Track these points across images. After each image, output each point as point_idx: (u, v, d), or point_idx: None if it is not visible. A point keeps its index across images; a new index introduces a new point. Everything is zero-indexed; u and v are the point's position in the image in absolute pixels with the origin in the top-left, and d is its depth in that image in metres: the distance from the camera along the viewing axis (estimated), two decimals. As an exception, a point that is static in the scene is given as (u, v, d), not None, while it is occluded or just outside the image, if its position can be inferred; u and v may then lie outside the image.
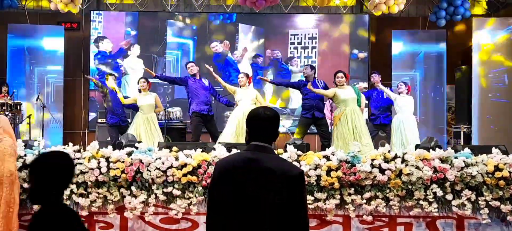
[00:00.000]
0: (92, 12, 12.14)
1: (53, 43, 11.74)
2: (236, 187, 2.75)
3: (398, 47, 11.89)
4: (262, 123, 2.86)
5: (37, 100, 10.07)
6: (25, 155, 6.13)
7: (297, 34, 12.29)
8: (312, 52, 12.24)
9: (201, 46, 12.22)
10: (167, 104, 10.64)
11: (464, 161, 6.01)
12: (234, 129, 8.34)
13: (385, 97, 9.21)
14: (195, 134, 8.90)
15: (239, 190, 2.74)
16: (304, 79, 8.96)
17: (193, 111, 8.83)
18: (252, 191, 2.72)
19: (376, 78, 9.21)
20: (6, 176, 5.47)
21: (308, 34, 12.27)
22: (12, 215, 5.52)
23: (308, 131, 9.03)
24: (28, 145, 6.44)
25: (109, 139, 9.05)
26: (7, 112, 9.63)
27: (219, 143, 6.72)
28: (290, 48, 12.28)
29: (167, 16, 12.22)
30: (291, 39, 12.29)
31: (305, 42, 12.26)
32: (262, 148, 2.82)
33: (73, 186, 6.05)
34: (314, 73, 8.88)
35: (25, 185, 6.01)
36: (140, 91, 9.01)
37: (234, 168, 2.79)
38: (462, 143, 10.78)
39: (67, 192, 6.03)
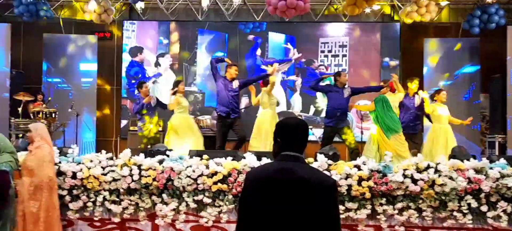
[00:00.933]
0: (125, 22, 12.34)
1: (87, 52, 11.99)
2: (269, 198, 2.73)
3: (430, 55, 11.71)
4: (293, 132, 2.85)
5: (71, 108, 10.27)
6: (59, 162, 6.25)
7: (328, 42, 12.25)
8: (342, 60, 12.18)
9: (232, 55, 12.26)
10: (198, 112, 10.71)
11: (499, 172, 5.87)
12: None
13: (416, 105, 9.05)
14: (218, 137, 8.63)
15: (273, 200, 2.73)
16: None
17: (216, 110, 8.79)
18: (285, 201, 2.70)
19: None
20: (45, 181, 5.60)
21: (339, 42, 12.22)
22: (52, 219, 5.64)
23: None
24: (62, 152, 6.57)
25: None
26: (42, 120, 9.83)
27: (249, 151, 6.72)
28: (321, 56, 12.25)
29: (198, 25, 12.33)
30: (321, 47, 12.26)
31: (335, 50, 12.21)
32: (294, 157, 2.81)
33: (106, 193, 6.15)
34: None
35: (60, 192, 6.13)
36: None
37: (267, 178, 2.77)
38: (497, 153, 10.53)
39: (99, 198, 6.13)
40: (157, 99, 9.28)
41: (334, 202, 2.75)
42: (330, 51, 12.25)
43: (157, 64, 12.34)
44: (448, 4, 10.29)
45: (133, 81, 12.02)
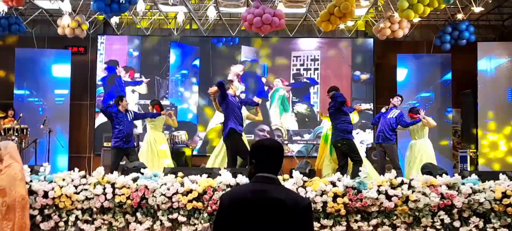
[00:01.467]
0: (99, 36, 12.23)
1: (60, 67, 11.81)
2: (244, 219, 2.72)
3: (403, 71, 11.88)
4: (268, 153, 2.85)
5: (43, 124, 10.09)
6: (31, 181, 6.11)
7: (300, 56, 12.36)
8: (314, 74, 12.29)
9: (204, 69, 12.28)
10: (173, 128, 10.63)
11: (471, 188, 5.96)
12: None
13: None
14: (232, 152, 7.97)
15: (248, 222, 2.72)
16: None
17: (231, 128, 7.95)
18: (261, 223, 2.70)
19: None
20: (18, 201, 5.48)
21: (311, 56, 12.34)
22: (25, 239, 5.51)
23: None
24: (34, 170, 6.43)
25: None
26: (13, 137, 9.64)
27: (224, 168, 6.69)
28: (293, 70, 12.33)
29: (171, 38, 12.31)
30: (293, 61, 12.35)
31: (307, 64, 12.32)
32: (269, 179, 2.80)
33: (78, 212, 6.03)
34: None
35: (31, 211, 5.99)
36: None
37: (243, 200, 2.76)
38: (468, 167, 10.70)
39: (72, 218, 6.01)
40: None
41: (309, 223, 2.77)
42: (302, 64, 12.35)
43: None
44: (420, 20, 10.45)
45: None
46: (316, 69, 12.31)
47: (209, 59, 12.31)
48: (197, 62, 12.34)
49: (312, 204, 5.87)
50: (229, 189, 6.03)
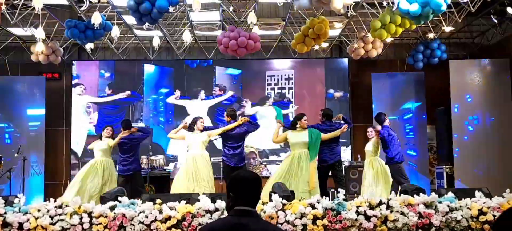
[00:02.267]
0: (74, 62, 12.12)
1: (35, 93, 11.64)
2: None
3: (378, 89, 12.01)
4: (247, 186, 2.82)
5: (17, 153, 9.89)
6: (5, 213, 5.96)
7: (274, 75, 12.44)
8: (289, 93, 12.37)
9: (179, 90, 12.26)
10: (150, 152, 10.53)
11: (448, 206, 6.01)
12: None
13: None
14: None
15: None
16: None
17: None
18: None
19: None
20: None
21: (285, 75, 12.43)
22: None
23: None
24: (8, 201, 6.27)
25: None
26: (-13, 166, 9.43)
27: (203, 193, 6.63)
28: (267, 89, 12.40)
29: (144, 61, 12.28)
30: (268, 80, 12.42)
31: (281, 83, 12.40)
32: (247, 212, 2.78)
33: (55, 243, 5.89)
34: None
35: (5, 244, 5.84)
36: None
37: None
38: (445, 183, 10.82)
39: (48, 249, 5.87)
40: None
41: None
42: (276, 84, 12.43)
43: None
44: (392, 40, 10.62)
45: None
46: (290, 88, 12.39)
47: (183, 81, 12.29)
48: (170, 83, 12.35)
49: (291, 226, 5.86)
50: (208, 214, 5.98)
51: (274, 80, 12.46)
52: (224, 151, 8.41)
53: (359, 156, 10.75)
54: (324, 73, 12.48)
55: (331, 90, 12.40)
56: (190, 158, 8.25)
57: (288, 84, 12.42)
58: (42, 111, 11.60)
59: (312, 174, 7.88)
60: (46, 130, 11.65)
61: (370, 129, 8.90)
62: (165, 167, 10.68)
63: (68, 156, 12.00)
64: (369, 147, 8.78)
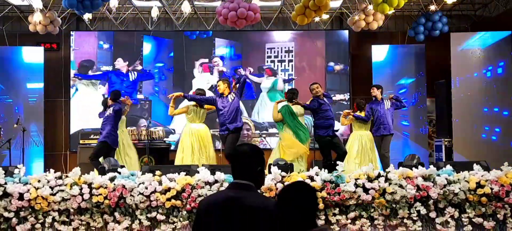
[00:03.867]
0: (72, 32, 12.05)
1: (33, 63, 11.58)
2: (218, 227, 2.74)
3: (378, 61, 11.98)
4: (243, 159, 2.86)
5: (17, 123, 9.90)
6: (5, 183, 6.01)
7: (274, 48, 12.38)
8: (288, 66, 12.33)
9: (179, 61, 12.21)
10: (150, 123, 10.55)
11: (446, 179, 6.06)
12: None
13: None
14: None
15: (222, 229, 2.73)
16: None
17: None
18: (235, 230, 2.72)
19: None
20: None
21: (285, 47, 12.37)
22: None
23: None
24: (8, 172, 6.32)
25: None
26: (-14, 137, 9.46)
27: (203, 165, 6.68)
28: (267, 62, 12.35)
29: (143, 32, 12.21)
30: (268, 53, 12.37)
31: (281, 56, 12.36)
32: (243, 185, 2.81)
33: (55, 214, 5.96)
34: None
35: (6, 214, 5.90)
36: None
37: (214, 208, 2.78)
38: (443, 156, 10.87)
39: (48, 219, 5.94)
40: None
41: (274, 226, 2.74)
42: (276, 56, 12.37)
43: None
44: (394, 12, 10.53)
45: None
46: (290, 61, 12.34)
47: (183, 53, 12.24)
48: (170, 55, 12.30)
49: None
50: (207, 186, 6.03)
51: (274, 52, 12.41)
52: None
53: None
54: (325, 46, 12.41)
55: (331, 63, 12.36)
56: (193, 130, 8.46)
57: (288, 56, 12.37)
58: (40, 82, 11.56)
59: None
60: (45, 101, 11.63)
61: None
62: (164, 139, 10.69)
63: (67, 127, 12.00)
64: None
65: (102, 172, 6.56)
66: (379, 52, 12.03)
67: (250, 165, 2.85)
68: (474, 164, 6.39)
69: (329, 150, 8.57)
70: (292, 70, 12.35)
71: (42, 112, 11.54)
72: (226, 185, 5.98)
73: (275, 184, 6.02)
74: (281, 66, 12.40)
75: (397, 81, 11.93)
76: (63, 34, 11.86)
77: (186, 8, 9.98)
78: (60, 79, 12.15)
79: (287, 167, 6.45)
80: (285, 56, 12.38)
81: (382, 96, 9.31)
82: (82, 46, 12.14)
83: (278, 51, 12.40)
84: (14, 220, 5.93)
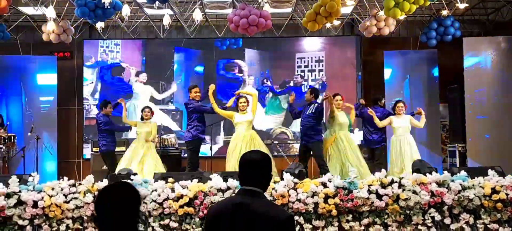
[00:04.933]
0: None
1: (46, 72, 11.69)
2: None
3: (390, 67, 11.93)
4: (251, 167, 2.86)
5: (30, 132, 9.99)
6: (20, 191, 6.05)
7: (304, 57, 12.32)
8: (319, 75, 12.28)
9: (209, 71, 12.23)
10: (162, 131, 10.59)
11: (461, 184, 6.00)
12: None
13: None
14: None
15: None
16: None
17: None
18: None
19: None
20: None
21: (315, 57, 12.31)
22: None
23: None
24: (22, 180, 6.36)
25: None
26: (1, 145, 9.54)
27: (215, 173, 6.67)
28: (297, 71, 12.31)
29: (174, 43, 12.27)
30: (297, 62, 12.32)
31: (311, 65, 12.29)
32: (251, 192, 2.82)
33: (69, 221, 5.98)
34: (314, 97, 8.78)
35: (20, 222, 5.94)
36: (142, 119, 9.26)
37: (223, 214, 2.79)
38: (457, 162, 10.77)
39: (62, 227, 5.97)
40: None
41: None
42: (306, 66, 12.31)
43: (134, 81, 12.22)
44: (405, 17, 10.50)
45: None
46: (320, 70, 12.27)
47: (213, 62, 12.25)
48: (200, 68, 12.32)
49: (303, 204, 5.89)
50: (220, 193, 6.03)
51: (304, 62, 12.31)
52: None
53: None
54: (355, 54, 12.29)
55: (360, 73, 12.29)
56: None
57: (318, 66, 12.30)
58: (54, 91, 11.66)
59: None
60: (58, 109, 11.73)
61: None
62: (176, 146, 10.71)
63: (81, 134, 12.09)
64: None
65: (114, 179, 6.58)
66: (391, 58, 11.97)
67: (260, 172, 2.86)
68: (489, 170, 6.31)
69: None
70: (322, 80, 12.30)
71: (55, 121, 11.63)
72: (238, 191, 5.98)
73: (288, 191, 6.00)
74: (311, 76, 12.31)
75: (409, 87, 11.85)
76: (76, 43, 11.97)
77: (197, 15, 10.02)
78: (73, 87, 12.25)
79: (300, 174, 6.41)
80: (315, 66, 12.31)
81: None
82: (123, 56, 12.23)
83: (308, 61, 12.33)
84: (29, 228, 5.96)
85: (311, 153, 8.61)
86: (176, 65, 12.30)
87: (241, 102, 8.61)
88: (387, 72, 11.89)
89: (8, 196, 5.96)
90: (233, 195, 2.86)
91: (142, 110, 9.32)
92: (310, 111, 8.56)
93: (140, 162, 8.77)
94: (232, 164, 8.18)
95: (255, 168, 2.85)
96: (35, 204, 5.99)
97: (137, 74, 12.19)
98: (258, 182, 2.84)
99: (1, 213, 5.86)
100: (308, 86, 11.80)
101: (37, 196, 6.00)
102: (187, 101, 8.90)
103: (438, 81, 11.79)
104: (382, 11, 9.45)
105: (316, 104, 8.62)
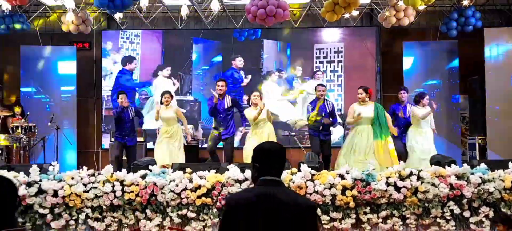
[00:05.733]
0: (103, 32, 12.24)
1: (66, 63, 11.82)
2: (253, 224, 2.75)
3: (409, 59, 11.81)
4: (272, 156, 2.90)
5: (51, 121, 10.12)
6: (40, 180, 6.15)
7: (323, 48, 12.24)
8: (338, 66, 12.18)
9: (227, 62, 12.25)
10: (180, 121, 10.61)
11: (480, 177, 5.94)
12: None
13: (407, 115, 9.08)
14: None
15: (257, 227, 2.74)
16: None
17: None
18: (270, 227, 2.75)
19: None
20: None
21: (334, 48, 12.22)
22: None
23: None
24: (43, 169, 6.46)
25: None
26: (21, 135, 9.69)
27: (233, 163, 6.70)
28: (316, 63, 12.23)
29: (193, 33, 12.29)
30: (316, 53, 12.25)
31: (330, 56, 12.22)
32: (274, 182, 2.86)
33: (88, 210, 6.07)
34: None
35: (41, 210, 6.03)
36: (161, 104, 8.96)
37: (248, 204, 2.80)
38: (477, 154, 10.66)
39: (82, 216, 6.06)
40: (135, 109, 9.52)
41: (314, 224, 2.86)
42: (325, 57, 12.24)
43: (155, 74, 12.26)
44: (425, 7, 10.37)
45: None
46: (340, 61, 12.18)
47: (231, 54, 12.23)
48: (219, 58, 12.29)
49: (320, 196, 5.90)
50: (237, 183, 6.05)
51: (323, 53, 12.23)
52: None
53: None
54: (375, 45, 12.13)
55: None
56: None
57: (337, 57, 12.21)
58: (73, 81, 11.79)
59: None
60: (77, 99, 11.86)
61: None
62: (194, 137, 10.75)
63: (99, 125, 12.21)
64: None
65: (133, 169, 6.64)
66: (411, 49, 11.85)
67: (281, 162, 2.91)
68: (509, 162, 6.24)
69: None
70: (341, 71, 12.19)
71: (75, 111, 11.77)
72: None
73: (305, 182, 6.00)
74: (330, 67, 12.25)
75: (429, 79, 11.73)
76: (94, 33, 12.06)
77: (215, 6, 10.02)
78: (92, 78, 12.36)
79: (317, 165, 6.41)
80: (334, 57, 12.24)
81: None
82: (142, 46, 12.29)
83: (327, 52, 12.26)
84: (49, 217, 6.06)
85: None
86: (195, 55, 12.30)
87: (254, 96, 8.70)
88: (407, 64, 11.77)
89: (29, 185, 6.07)
90: (251, 186, 2.86)
91: (162, 95, 8.95)
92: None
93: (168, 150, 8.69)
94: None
95: (276, 158, 2.90)
96: (55, 193, 6.08)
97: (160, 69, 12.27)
98: (278, 171, 2.89)
99: (22, 201, 5.97)
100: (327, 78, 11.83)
101: (57, 185, 6.10)
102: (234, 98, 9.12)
103: (458, 72, 11.65)
104: (402, 1, 9.35)
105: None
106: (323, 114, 8.56)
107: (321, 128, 8.57)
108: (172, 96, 9.15)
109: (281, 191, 2.84)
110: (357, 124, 8.23)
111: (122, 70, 12.26)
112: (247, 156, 8.29)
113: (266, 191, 2.81)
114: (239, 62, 12.21)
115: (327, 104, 8.78)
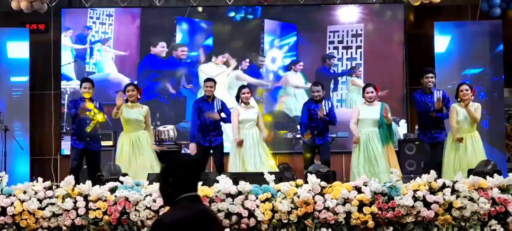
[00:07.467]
0: (63, 10, 12.20)
1: (16, 49, 11.75)
2: None
3: (442, 42, 11.82)
4: (189, 170, 3.07)
5: (-3, 122, 10.11)
6: (-15, 194, 6.16)
7: (338, 31, 12.13)
8: (356, 53, 12.10)
9: (219, 48, 12.18)
10: (158, 122, 10.66)
11: (530, 190, 5.97)
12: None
13: None
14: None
15: None
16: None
17: None
18: None
19: None
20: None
21: (352, 30, 12.09)
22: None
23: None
24: (-13, 181, 6.47)
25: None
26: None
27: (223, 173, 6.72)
28: (329, 48, 12.12)
29: (176, 12, 12.23)
30: (330, 37, 12.16)
31: (347, 41, 12.11)
32: (198, 197, 3.10)
33: (44, 232, 6.08)
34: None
35: None
36: (126, 101, 8.66)
37: (193, 224, 2.93)
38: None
39: (37, 239, 6.07)
40: None
41: None
42: (340, 41, 12.14)
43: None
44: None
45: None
46: (358, 47, 12.10)
47: (224, 37, 12.20)
48: (209, 41, 12.23)
49: (332, 213, 5.92)
50: (229, 198, 6.07)
51: (338, 37, 12.11)
52: None
53: (416, 127, 10.63)
54: (403, 26, 12.08)
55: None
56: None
57: (356, 42, 12.11)
58: (26, 71, 11.72)
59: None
60: (31, 94, 11.79)
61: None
62: (175, 140, 10.76)
63: (58, 126, 12.15)
64: None
65: (100, 181, 6.65)
66: (444, 31, 11.86)
67: (194, 176, 3.12)
68: None
69: None
70: (360, 59, 12.11)
71: (28, 108, 11.70)
72: (251, 197, 6.03)
73: (313, 197, 6.01)
74: (346, 54, 12.15)
75: (466, 68, 11.75)
76: (52, 12, 11.99)
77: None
78: (49, 67, 12.28)
79: (328, 175, 6.44)
80: (351, 42, 12.15)
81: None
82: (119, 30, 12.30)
83: (342, 35, 12.13)
84: (-5, 240, 6.07)
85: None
86: (179, 38, 12.24)
87: (243, 93, 8.86)
88: (439, 48, 11.78)
89: (-31, 201, 6.08)
90: (187, 204, 2.97)
91: (125, 90, 8.68)
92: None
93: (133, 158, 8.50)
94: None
95: (192, 172, 3.10)
96: (3, 211, 6.08)
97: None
98: (195, 186, 3.10)
99: (-39, 221, 5.98)
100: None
101: (6, 201, 6.10)
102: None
103: (503, 60, 11.68)
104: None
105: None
106: (315, 132, 8.85)
107: (316, 131, 8.80)
108: (139, 91, 8.88)
109: (207, 207, 3.20)
110: (362, 126, 8.49)
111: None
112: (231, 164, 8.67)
113: (203, 208, 3.10)
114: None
115: (326, 104, 8.92)
